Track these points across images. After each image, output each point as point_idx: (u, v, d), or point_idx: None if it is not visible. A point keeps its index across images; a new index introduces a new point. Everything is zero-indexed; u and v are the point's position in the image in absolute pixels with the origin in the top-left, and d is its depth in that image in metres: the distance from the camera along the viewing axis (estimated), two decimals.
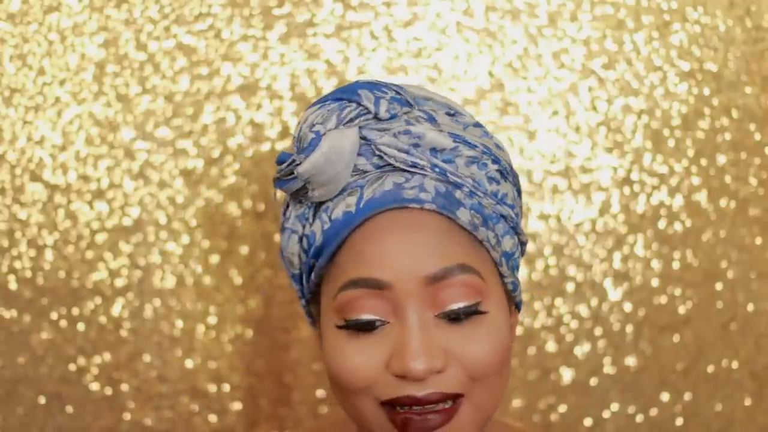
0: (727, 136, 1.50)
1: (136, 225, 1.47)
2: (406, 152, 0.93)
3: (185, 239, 1.48)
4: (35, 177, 1.47)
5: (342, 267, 0.93)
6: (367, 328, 0.92)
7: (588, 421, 1.50)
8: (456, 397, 0.91)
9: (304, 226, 0.97)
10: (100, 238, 1.47)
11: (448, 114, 0.99)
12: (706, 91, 1.50)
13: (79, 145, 1.47)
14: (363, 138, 0.94)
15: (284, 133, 1.48)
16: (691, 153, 1.50)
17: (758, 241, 1.50)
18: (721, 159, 1.50)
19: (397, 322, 0.92)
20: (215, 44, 1.48)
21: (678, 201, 1.50)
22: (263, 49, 1.48)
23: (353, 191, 0.94)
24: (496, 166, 0.97)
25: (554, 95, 1.48)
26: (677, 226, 1.50)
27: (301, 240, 0.98)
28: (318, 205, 0.96)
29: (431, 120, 0.96)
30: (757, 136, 1.50)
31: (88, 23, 1.47)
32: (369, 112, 0.95)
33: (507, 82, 1.48)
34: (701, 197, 1.50)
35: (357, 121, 0.94)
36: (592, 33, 1.49)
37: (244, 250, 1.48)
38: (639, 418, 1.50)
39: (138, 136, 1.47)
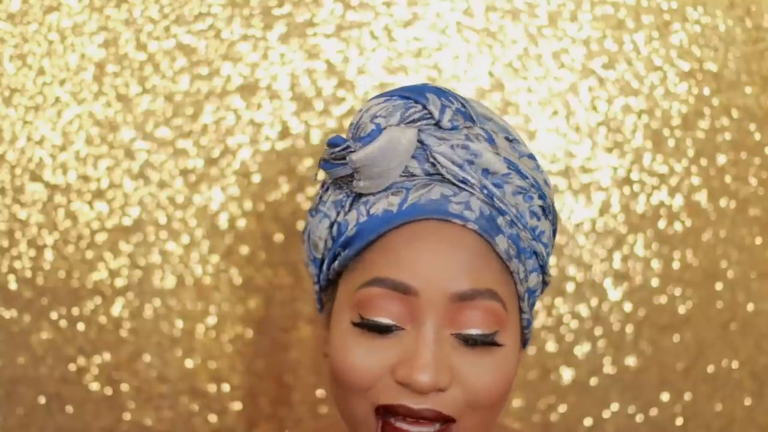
0: (727, 136, 1.50)
1: (136, 225, 1.47)
2: (460, 166, 0.92)
3: (185, 239, 1.48)
4: (35, 177, 1.47)
5: (370, 263, 0.92)
6: (382, 331, 0.91)
7: (588, 421, 1.50)
8: (447, 422, 0.90)
9: (338, 213, 0.97)
10: (100, 238, 1.47)
11: (507, 139, 0.98)
12: (706, 91, 1.50)
13: (79, 145, 1.47)
14: (420, 141, 0.93)
15: (284, 133, 1.48)
16: (691, 153, 1.50)
17: (758, 241, 1.50)
18: (721, 159, 1.50)
19: (413, 330, 0.91)
20: (215, 44, 1.48)
21: (678, 201, 1.50)
22: (263, 49, 1.48)
23: (398, 191, 0.93)
24: (540, 202, 0.96)
25: (554, 95, 1.48)
26: (677, 226, 1.50)
27: (331, 226, 0.97)
28: (357, 196, 0.96)
29: (490, 141, 0.95)
30: (757, 136, 1.50)
31: (88, 23, 1.47)
32: (432, 118, 0.94)
33: (507, 82, 1.48)
34: (701, 197, 1.50)
35: (419, 124, 0.93)
36: (592, 33, 1.49)
37: (244, 250, 1.48)
38: (639, 418, 1.50)
39: (138, 136, 1.47)
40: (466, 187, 0.93)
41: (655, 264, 1.49)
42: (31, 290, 1.47)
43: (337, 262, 0.96)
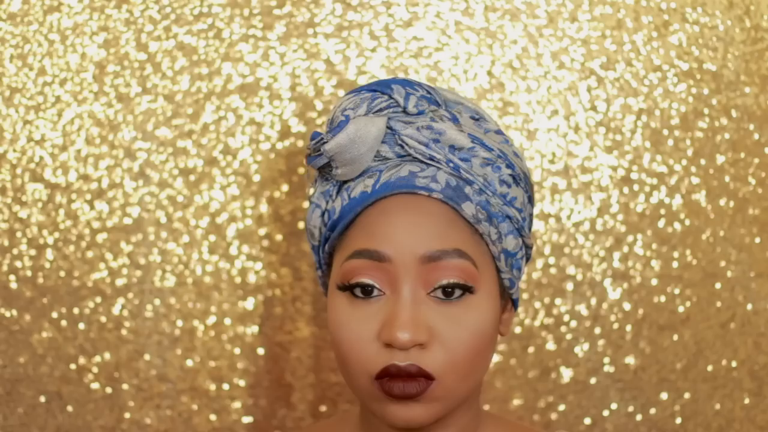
0: (726, 135, 1.50)
1: (136, 225, 1.47)
2: (426, 145, 1.01)
3: (185, 239, 1.48)
4: (36, 176, 1.47)
5: (352, 239, 1.02)
6: (365, 291, 1.00)
7: (587, 420, 1.50)
8: (428, 379, 0.98)
9: (327, 202, 1.06)
10: (101, 237, 1.47)
11: (473, 118, 1.07)
12: (706, 91, 1.50)
13: (80, 144, 1.47)
14: (389, 128, 1.02)
15: (284, 133, 1.48)
16: (690, 153, 1.50)
17: (757, 240, 1.51)
18: (720, 159, 1.50)
19: (392, 294, 1.00)
20: (215, 44, 1.48)
21: (677, 201, 1.50)
22: (263, 49, 1.48)
23: (373, 174, 1.02)
24: (509, 171, 1.04)
25: (554, 95, 1.49)
26: (676, 226, 1.50)
27: (323, 214, 1.06)
28: (342, 185, 1.04)
29: (454, 120, 1.04)
30: (756, 136, 1.51)
31: (89, 23, 1.47)
32: (398, 106, 1.03)
33: (507, 82, 1.48)
34: (700, 197, 1.50)
35: (386, 112, 1.02)
36: (591, 33, 1.49)
37: (245, 250, 1.48)
38: (638, 417, 1.50)
39: (138, 136, 1.47)
40: (434, 163, 1.01)
41: (655, 263, 1.50)
42: (32, 290, 1.47)
43: (327, 244, 1.06)
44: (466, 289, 1.00)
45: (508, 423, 1.13)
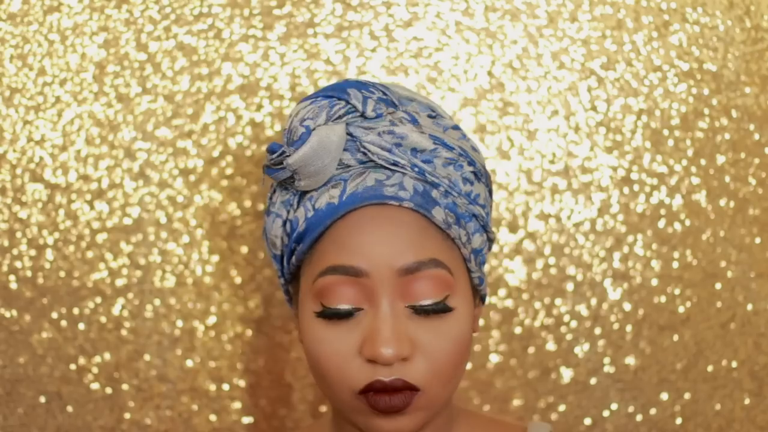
0: (727, 136, 1.50)
1: (136, 225, 1.47)
2: (389, 151, 1.00)
3: (185, 239, 1.48)
4: (36, 177, 1.47)
5: (323, 254, 1.00)
6: (343, 317, 0.99)
7: (587, 421, 1.50)
8: (413, 391, 0.98)
9: (288, 212, 1.04)
10: (101, 237, 1.47)
11: (430, 116, 1.05)
12: (706, 91, 1.50)
13: (80, 145, 1.47)
14: (349, 134, 1.00)
15: None
16: (690, 153, 1.50)
17: (757, 240, 1.51)
18: (721, 159, 1.50)
19: (371, 309, 0.99)
20: (215, 44, 1.48)
21: (677, 201, 1.50)
22: (263, 49, 1.48)
23: (337, 184, 1.00)
24: (471, 168, 1.03)
25: (554, 95, 1.49)
26: (677, 226, 1.50)
27: (284, 224, 1.04)
28: (303, 194, 1.03)
29: (414, 121, 1.02)
30: (757, 136, 1.51)
31: (89, 23, 1.47)
32: (357, 111, 1.01)
33: (507, 82, 1.48)
34: (700, 197, 1.50)
35: (345, 118, 1.00)
36: (591, 33, 1.49)
37: (244, 250, 1.48)
38: (638, 417, 1.50)
39: (138, 136, 1.47)
40: (398, 169, 1.00)
41: (655, 264, 1.49)
42: (32, 290, 1.47)
43: (294, 256, 1.04)
44: (444, 309, 0.99)
45: (479, 416, 1.14)
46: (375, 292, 0.98)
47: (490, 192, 1.09)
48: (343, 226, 1.00)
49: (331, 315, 0.99)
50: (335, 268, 0.99)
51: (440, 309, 0.99)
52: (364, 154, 1.00)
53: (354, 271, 0.98)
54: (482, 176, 1.06)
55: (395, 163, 1.00)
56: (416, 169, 1.00)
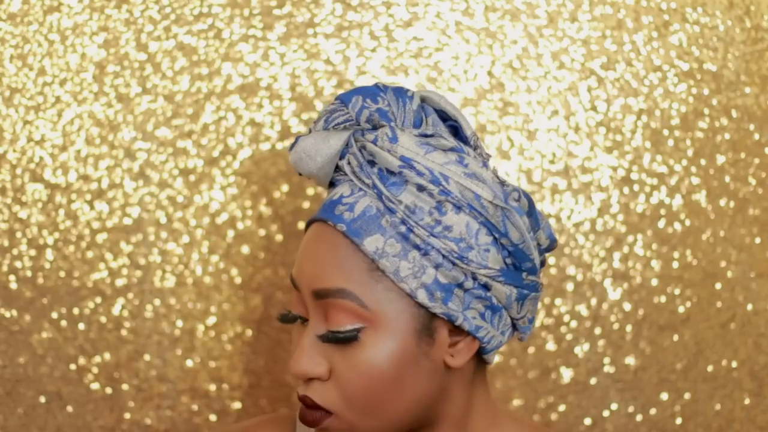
0: (727, 136, 1.50)
1: (136, 225, 1.47)
2: (360, 167, 0.98)
3: (185, 239, 1.48)
4: (36, 177, 1.47)
5: None
6: (293, 320, 1.00)
7: (587, 421, 1.50)
8: (327, 412, 0.98)
9: None
10: (101, 237, 1.47)
11: (423, 135, 0.98)
12: (706, 91, 1.50)
13: (80, 145, 1.47)
14: (348, 143, 0.99)
15: (284, 133, 1.48)
16: (690, 153, 1.50)
17: (757, 240, 1.51)
18: (721, 159, 1.50)
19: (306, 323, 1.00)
20: (215, 44, 1.48)
21: (677, 201, 1.50)
22: (263, 49, 1.48)
23: (331, 188, 1.02)
24: (442, 197, 0.96)
25: (554, 95, 1.49)
26: (677, 226, 1.50)
27: None
28: None
29: (392, 140, 0.98)
30: (757, 136, 1.51)
31: (89, 23, 1.47)
32: (355, 120, 1.00)
33: (507, 82, 1.48)
34: (700, 197, 1.50)
35: (343, 126, 1.00)
36: (591, 33, 1.49)
37: (245, 250, 1.48)
38: (638, 417, 1.50)
39: (138, 136, 1.47)
40: (363, 187, 0.98)
41: (655, 264, 1.49)
42: (32, 290, 1.47)
43: None
44: (354, 339, 0.96)
45: (527, 424, 1.08)
46: (307, 308, 0.99)
47: (487, 225, 0.97)
48: (306, 236, 1.01)
49: (282, 318, 1.01)
50: (291, 277, 1.02)
51: (344, 339, 0.96)
52: (348, 164, 1.00)
53: (293, 283, 1.00)
54: (466, 207, 0.96)
55: (361, 180, 0.98)
56: (376, 191, 0.97)
